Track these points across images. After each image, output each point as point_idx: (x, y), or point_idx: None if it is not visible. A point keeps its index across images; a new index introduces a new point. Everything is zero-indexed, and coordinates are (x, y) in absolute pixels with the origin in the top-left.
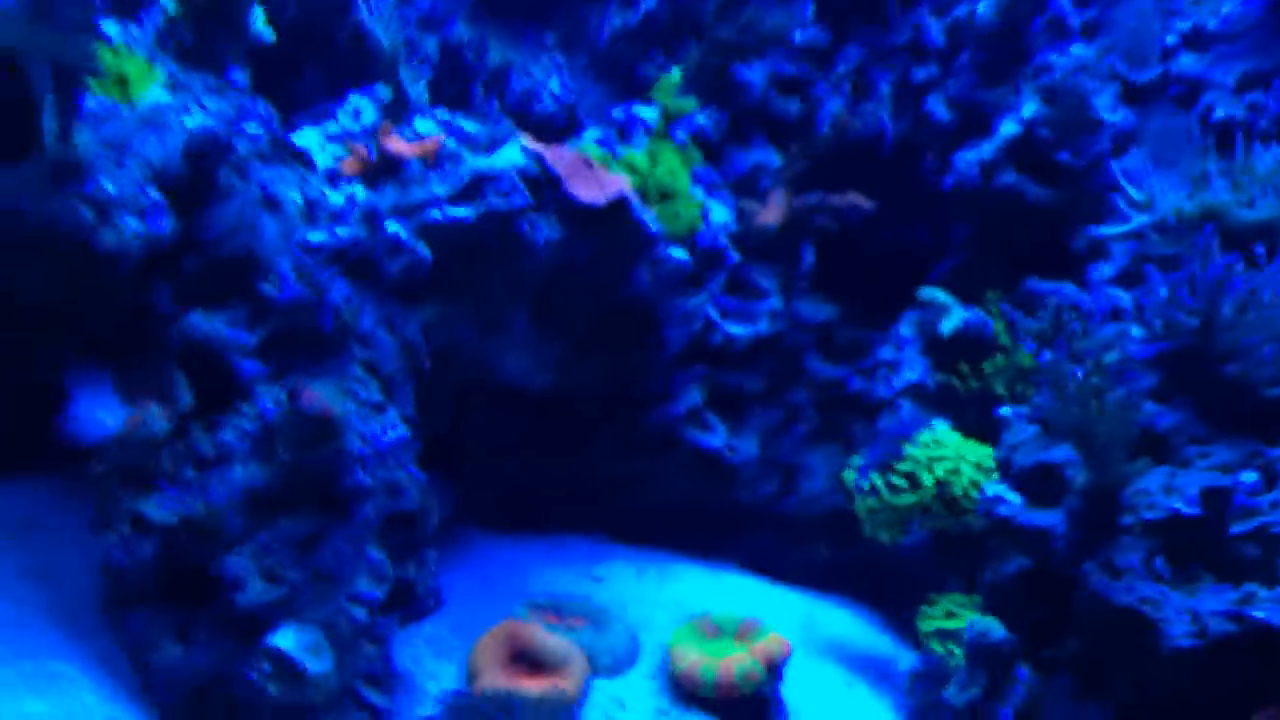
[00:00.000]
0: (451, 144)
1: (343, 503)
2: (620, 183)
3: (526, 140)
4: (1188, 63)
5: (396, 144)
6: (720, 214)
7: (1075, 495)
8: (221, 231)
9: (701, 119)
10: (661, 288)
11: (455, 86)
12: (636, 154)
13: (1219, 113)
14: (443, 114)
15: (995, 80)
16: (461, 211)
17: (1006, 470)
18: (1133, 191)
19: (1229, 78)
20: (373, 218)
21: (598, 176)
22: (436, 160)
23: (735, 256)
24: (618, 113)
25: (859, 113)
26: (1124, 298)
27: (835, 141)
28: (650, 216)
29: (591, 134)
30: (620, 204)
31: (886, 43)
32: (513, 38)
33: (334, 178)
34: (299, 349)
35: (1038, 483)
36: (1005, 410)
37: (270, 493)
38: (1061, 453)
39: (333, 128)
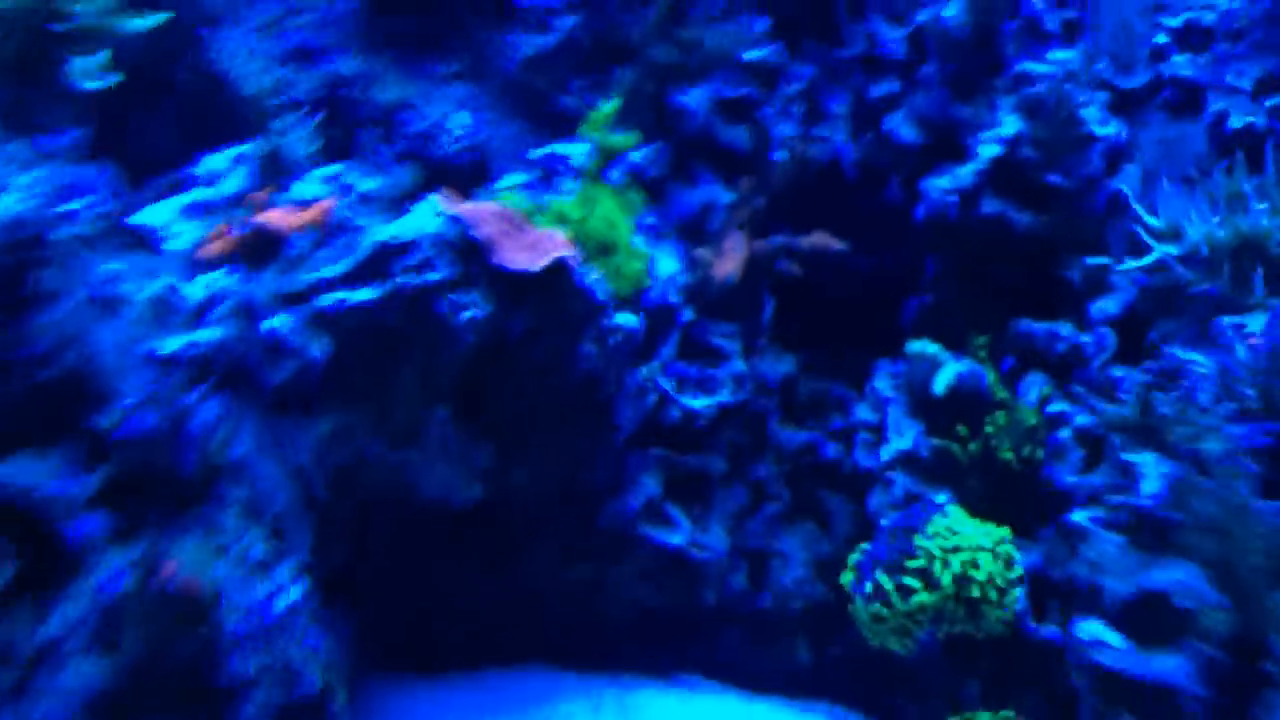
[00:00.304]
0: (345, 208)
1: (219, 702)
2: (558, 242)
3: (441, 198)
4: (1181, 64)
5: (275, 215)
6: (668, 265)
7: (1209, 640)
8: (41, 349)
9: (639, 155)
10: (610, 362)
11: (340, 130)
12: (567, 201)
13: (1235, 121)
14: (330, 169)
15: (967, 94)
16: (363, 295)
17: (1096, 600)
18: (1150, 219)
19: (1242, 80)
20: (249, 312)
21: (530, 236)
22: (328, 231)
23: (688, 314)
24: (540, 153)
25: (812, 137)
26: (1201, 362)
27: (795, 173)
28: (594, 279)
29: (510, 179)
30: (560, 269)
31: (838, 56)
32: (406, 69)
33: (195, 264)
34: (153, 498)
35: (1141, 615)
36: (1079, 518)
37: (119, 699)
38: (1170, 576)
39: (191, 198)
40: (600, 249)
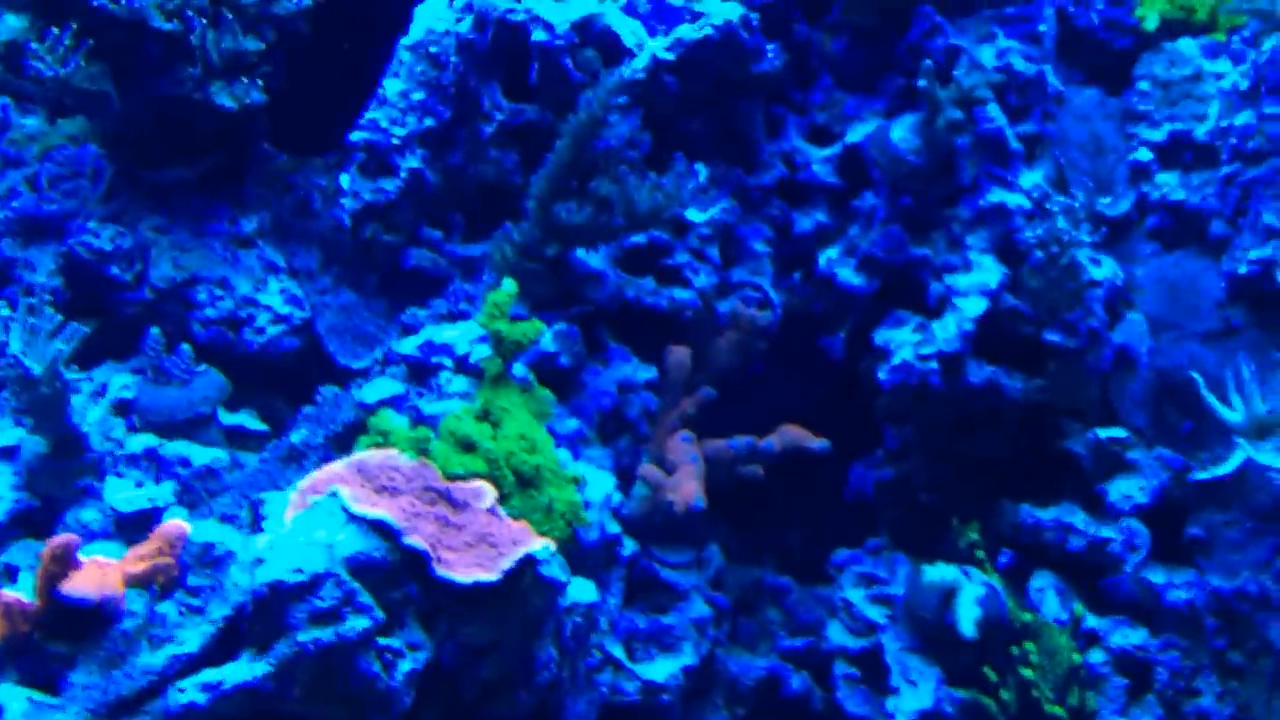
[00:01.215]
0: (201, 530)
1: None
2: (516, 531)
3: (344, 484)
4: (1171, 185)
5: (86, 575)
6: (600, 483)
7: None
8: None
9: (548, 339)
10: (566, 656)
11: (101, 328)
12: (465, 418)
13: None
14: (143, 439)
15: (923, 229)
16: (245, 673)
17: None
18: (1224, 410)
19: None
20: None
21: (469, 516)
22: (175, 575)
23: (631, 545)
24: (409, 344)
25: (732, 284)
26: None
27: (743, 345)
28: (556, 560)
29: (379, 387)
30: (527, 566)
31: (754, 184)
32: (189, 231)
33: None
34: None
35: None
36: None
37: None
38: None
39: None
40: (521, 480)
